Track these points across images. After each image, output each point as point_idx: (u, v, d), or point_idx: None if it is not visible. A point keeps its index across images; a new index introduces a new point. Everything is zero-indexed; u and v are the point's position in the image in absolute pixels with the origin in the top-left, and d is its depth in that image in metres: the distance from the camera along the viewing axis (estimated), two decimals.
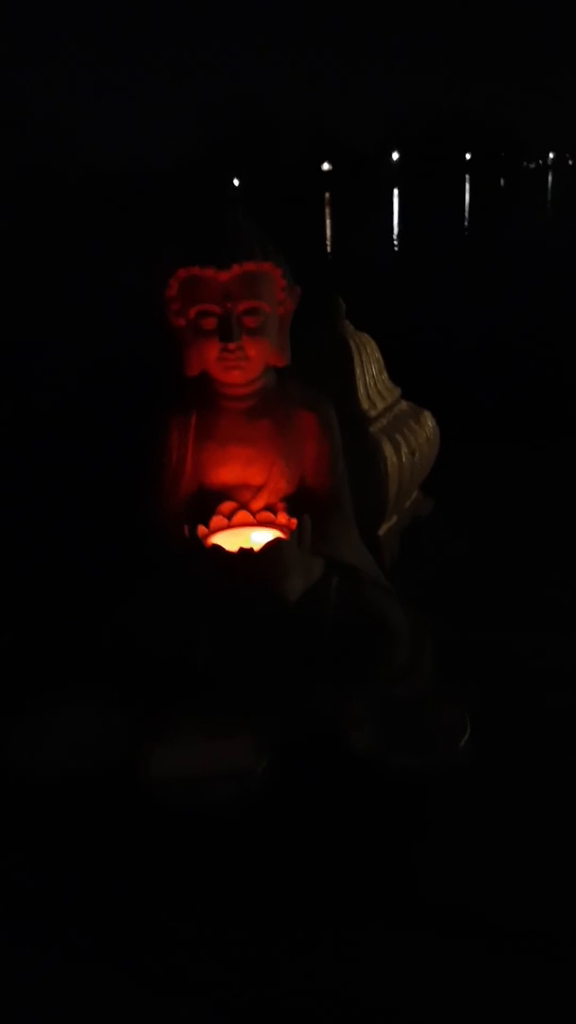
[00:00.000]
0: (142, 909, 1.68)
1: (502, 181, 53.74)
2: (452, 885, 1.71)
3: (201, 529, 2.22)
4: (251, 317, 2.12)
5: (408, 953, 1.58)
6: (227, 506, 2.30)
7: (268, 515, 2.30)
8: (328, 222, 26.31)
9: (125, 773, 1.77)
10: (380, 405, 2.88)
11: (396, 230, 22.74)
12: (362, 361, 2.83)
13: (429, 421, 3.08)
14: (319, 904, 1.68)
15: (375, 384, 2.90)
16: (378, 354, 2.95)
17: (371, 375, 2.88)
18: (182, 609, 2.07)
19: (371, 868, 1.74)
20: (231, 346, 2.12)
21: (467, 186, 46.71)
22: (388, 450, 2.74)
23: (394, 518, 2.96)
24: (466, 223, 24.55)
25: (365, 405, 2.79)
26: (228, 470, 2.30)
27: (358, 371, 2.80)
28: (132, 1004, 1.51)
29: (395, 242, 19.01)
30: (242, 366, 2.17)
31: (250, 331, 2.13)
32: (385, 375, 3.00)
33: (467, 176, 59.47)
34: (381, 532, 2.84)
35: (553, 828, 1.83)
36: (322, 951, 1.59)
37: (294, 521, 2.19)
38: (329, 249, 17.13)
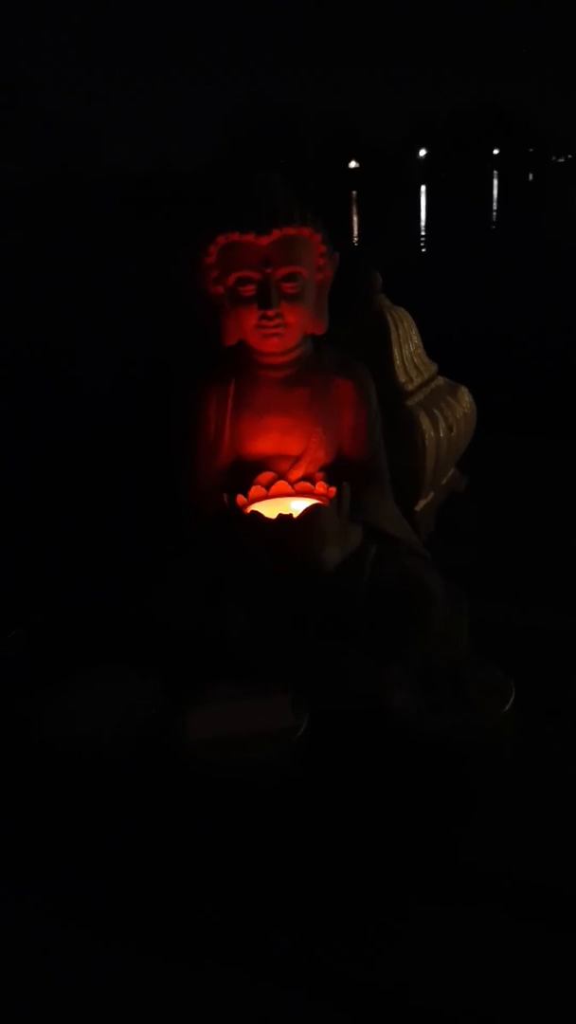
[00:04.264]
0: (175, 876, 1.68)
1: (531, 176, 53.29)
2: (493, 853, 1.69)
3: (240, 499, 2.21)
4: (290, 283, 2.10)
5: (447, 920, 1.56)
6: (265, 476, 2.29)
7: (306, 485, 2.29)
8: (355, 219, 26.22)
9: (157, 740, 1.77)
10: (417, 379, 2.85)
11: (424, 226, 22.61)
12: (399, 335, 2.81)
13: (466, 397, 3.05)
14: (355, 871, 1.67)
15: (412, 358, 2.87)
16: (415, 329, 2.93)
17: (408, 349, 2.85)
18: (214, 585, 2.06)
19: (409, 835, 1.73)
20: (270, 313, 2.11)
21: (495, 182, 46.33)
22: (426, 424, 2.72)
23: (431, 494, 2.93)
24: (494, 218, 24.34)
25: (402, 378, 2.77)
26: (266, 440, 2.29)
27: (395, 344, 2.77)
28: (163, 971, 1.51)
29: (422, 236, 18.91)
30: (280, 333, 2.15)
31: (289, 297, 2.11)
32: (422, 350, 2.97)
33: (495, 172, 59.00)
34: (418, 508, 2.82)
35: None
36: (359, 918, 1.58)
37: (332, 490, 2.18)
38: (356, 242, 17.08)
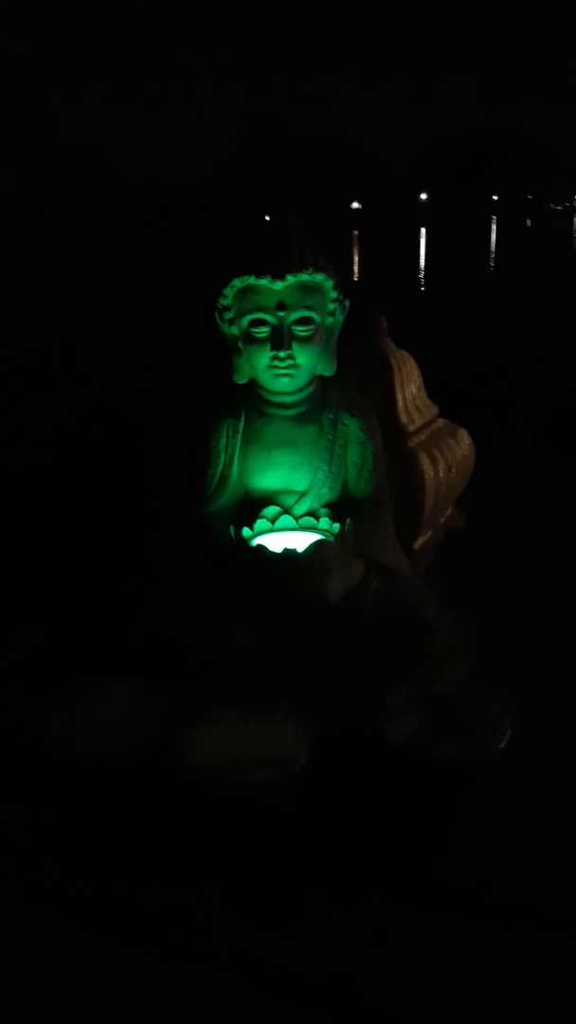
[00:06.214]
0: (173, 888, 1.72)
1: (529, 222, 54.28)
2: (485, 874, 1.74)
3: (245, 532, 2.28)
4: (302, 327, 2.20)
5: (435, 935, 1.62)
6: (270, 510, 2.36)
7: (311, 520, 2.36)
8: (356, 258, 26.62)
9: (161, 755, 1.82)
10: (418, 421, 2.94)
11: (423, 267, 22.98)
12: (402, 377, 2.90)
13: (465, 439, 3.14)
14: (347, 883, 1.72)
15: (414, 400, 2.96)
16: (417, 372, 3.02)
17: (410, 391, 2.94)
18: (215, 605, 2.12)
19: (404, 857, 1.78)
20: (282, 354, 2.20)
21: (494, 227, 47.15)
22: (426, 464, 2.80)
23: (429, 532, 3.00)
24: (492, 261, 24.76)
25: (404, 420, 2.86)
26: (273, 475, 2.37)
27: (398, 386, 2.86)
28: (160, 979, 1.56)
29: (421, 277, 19.23)
30: (291, 374, 2.25)
31: (301, 340, 2.21)
32: (423, 392, 3.06)
33: (494, 217, 60.08)
34: (416, 545, 2.89)
35: None
36: (349, 927, 1.63)
37: (336, 526, 2.25)
38: (356, 279, 17.34)
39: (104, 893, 1.72)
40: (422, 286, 17.63)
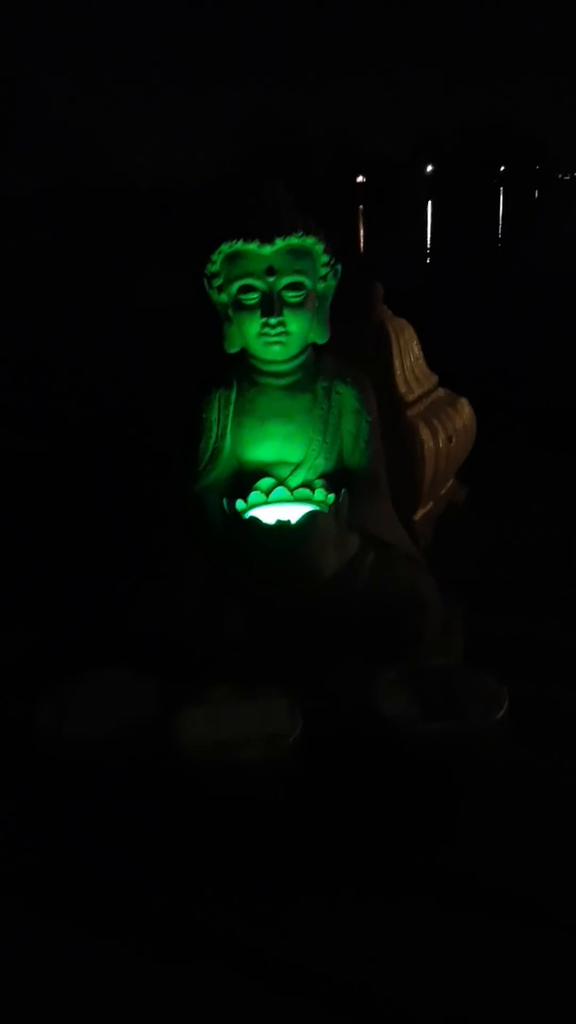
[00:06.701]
0: (167, 875, 1.71)
1: (536, 193, 53.54)
2: (487, 869, 1.71)
3: (239, 504, 2.23)
4: (293, 292, 2.14)
5: (429, 921, 1.60)
6: (265, 482, 2.31)
7: (306, 491, 2.31)
8: (361, 232, 26.33)
9: (153, 738, 1.78)
10: (417, 390, 2.88)
11: (429, 240, 22.72)
12: (400, 346, 2.83)
13: (466, 408, 3.07)
14: (343, 871, 1.70)
15: (412, 369, 2.90)
16: (416, 340, 2.95)
17: (409, 360, 2.88)
18: (211, 589, 2.08)
19: (404, 852, 1.75)
20: (272, 321, 2.14)
21: (501, 198, 46.49)
22: (425, 434, 2.74)
23: (430, 504, 2.95)
24: (499, 233, 24.44)
25: (402, 389, 2.80)
26: (267, 446, 2.31)
27: (395, 355, 2.80)
28: (157, 975, 1.53)
29: (428, 250, 19.01)
30: (283, 341, 2.18)
31: (292, 306, 2.15)
32: (423, 361, 3.00)
33: (501, 188, 59.25)
34: (416, 517, 2.84)
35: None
36: (344, 917, 1.61)
37: (332, 497, 2.20)
38: (362, 254, 17.15)
39: (100, 889, 1.70)
40: (428, 258, 17.44)
